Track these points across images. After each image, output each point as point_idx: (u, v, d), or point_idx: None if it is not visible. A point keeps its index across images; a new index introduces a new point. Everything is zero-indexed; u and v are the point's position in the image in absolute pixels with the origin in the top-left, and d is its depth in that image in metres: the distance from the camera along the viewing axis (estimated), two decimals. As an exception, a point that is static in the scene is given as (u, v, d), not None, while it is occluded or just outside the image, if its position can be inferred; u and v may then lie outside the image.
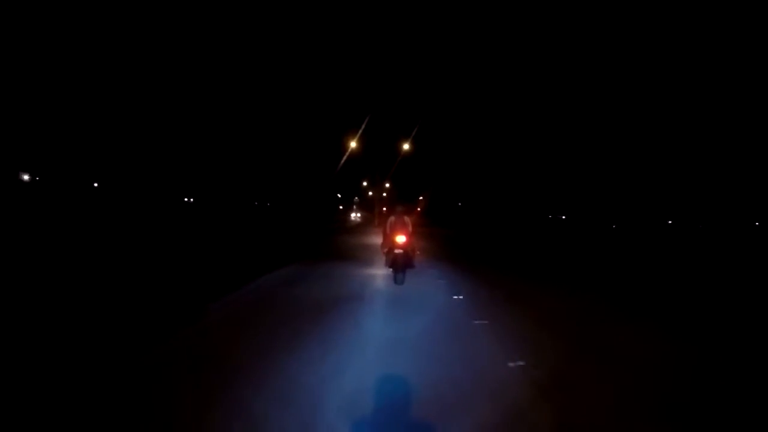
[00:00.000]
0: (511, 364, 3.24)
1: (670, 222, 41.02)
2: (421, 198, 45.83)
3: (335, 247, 13.13)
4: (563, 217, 49.34)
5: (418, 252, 7.76)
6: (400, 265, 6.61)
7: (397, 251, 6.60)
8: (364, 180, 40.82)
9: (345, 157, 23.93)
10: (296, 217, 31.46)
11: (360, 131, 22.01)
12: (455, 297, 5.89)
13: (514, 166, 48.52)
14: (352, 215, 51.05)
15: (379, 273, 7.63)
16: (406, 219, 6.89)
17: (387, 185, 37.29)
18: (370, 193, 39.68)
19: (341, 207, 55.94)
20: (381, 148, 26.30)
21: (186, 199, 40.01)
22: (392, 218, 6.89)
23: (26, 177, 28.54)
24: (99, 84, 34.18)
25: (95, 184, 34.44)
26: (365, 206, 50.65)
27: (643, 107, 45.88)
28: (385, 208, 31.88)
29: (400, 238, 6.61)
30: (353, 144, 21.85)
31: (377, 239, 14.53)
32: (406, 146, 23.78)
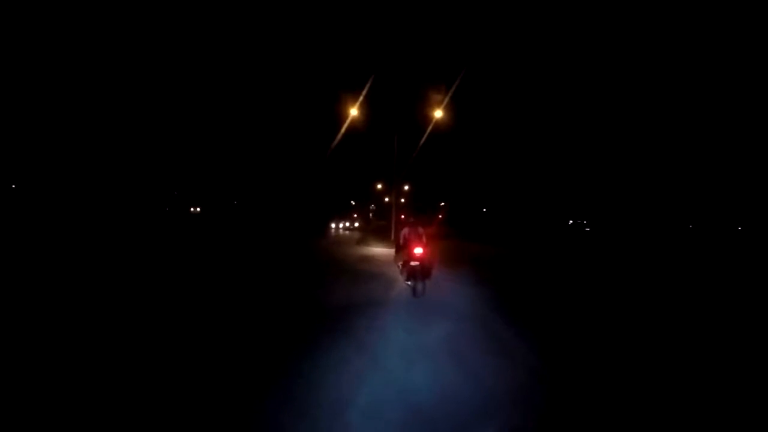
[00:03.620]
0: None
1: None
2: (442, 204, 41.02)
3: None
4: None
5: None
6: (419, 276, 6.67)
7: (413, 263, 6.62)
8: (378, 183, 36.29)
9: (344, 128, 17.86)
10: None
11: (365, 109, 16.76)
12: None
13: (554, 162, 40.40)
14: (333, 225, 35.57)
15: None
16: (420, 230, 6.97)
17: (406, 188, 31.38)
18: (387, 199, 32.98)
19: (355, 215, 50.92)
20: (396, 138, 18.39)
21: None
22: (406, 230, 7.07)
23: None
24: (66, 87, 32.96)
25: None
26: (380, 214, 46.18)
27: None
28: (403, 216, 29.17)
29: (418, 250, 6.68)
30: (354, 111, 16.59)
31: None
32: (438, 113, 17.39)
